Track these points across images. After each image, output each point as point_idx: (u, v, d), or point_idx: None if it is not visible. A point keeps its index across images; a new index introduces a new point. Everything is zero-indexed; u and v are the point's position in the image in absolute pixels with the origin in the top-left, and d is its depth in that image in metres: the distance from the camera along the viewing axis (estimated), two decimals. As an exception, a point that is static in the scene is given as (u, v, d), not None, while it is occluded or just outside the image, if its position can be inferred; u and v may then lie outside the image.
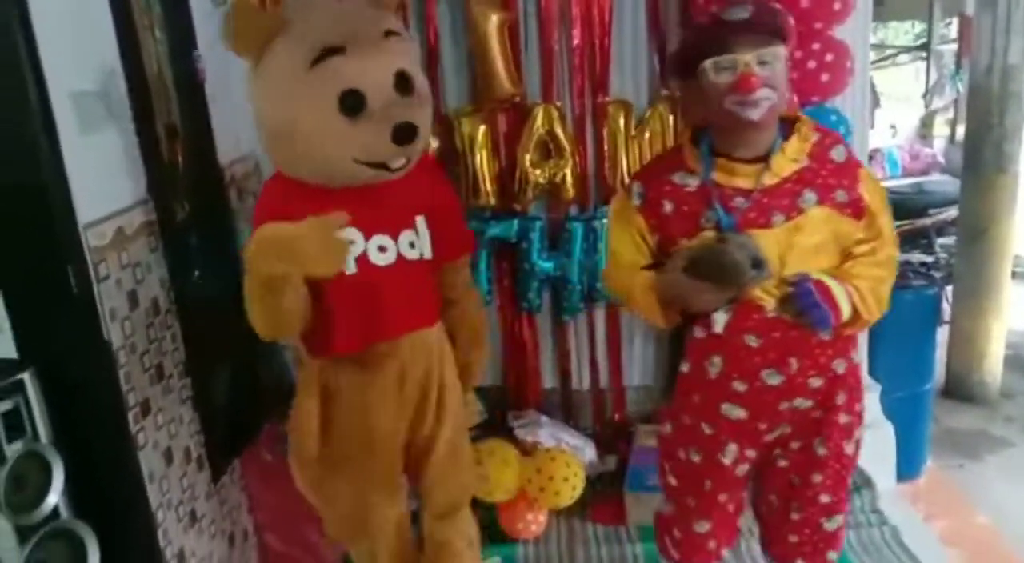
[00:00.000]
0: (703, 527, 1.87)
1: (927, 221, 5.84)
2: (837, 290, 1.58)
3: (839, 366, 1.68)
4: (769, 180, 1.59)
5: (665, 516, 1.97)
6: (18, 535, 1.56)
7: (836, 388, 1.70)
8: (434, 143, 2.55)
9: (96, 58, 1.82)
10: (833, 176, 1.61)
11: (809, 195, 1.59)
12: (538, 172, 2.60)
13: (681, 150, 1.70)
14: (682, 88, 1.69)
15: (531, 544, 2.61)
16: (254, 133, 2.44)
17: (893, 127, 8.64)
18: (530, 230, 2.69)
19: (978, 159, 3.74)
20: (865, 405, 1.81)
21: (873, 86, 8.81)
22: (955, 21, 7.82)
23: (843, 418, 1.73)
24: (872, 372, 2.90)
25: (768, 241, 1.57)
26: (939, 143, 7.79)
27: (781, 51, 1.54)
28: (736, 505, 1.89)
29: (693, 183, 1.64)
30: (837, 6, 2.20)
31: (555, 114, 2.59)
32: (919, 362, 3.11)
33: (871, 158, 6.86)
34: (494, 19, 2.46)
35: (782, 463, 1.80)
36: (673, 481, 1.89)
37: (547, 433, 2.78)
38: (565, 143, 2.59)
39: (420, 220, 1.83)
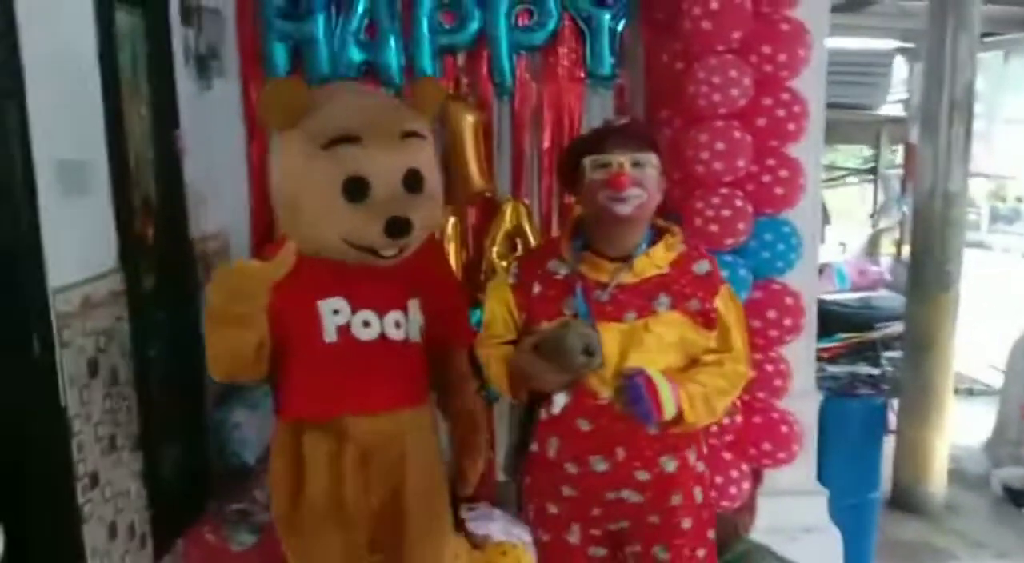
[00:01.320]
0: None
1: (874, 335, 6.01)
2: (664, 390, 1.62)
3: (667, 464, 1.72)
4: (628, 278, 1.69)
5: None
6: (-51, 606, 1.51)
7: (669, 488, 1.73)
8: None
9: (82, 129, 1.88)
10: (690, 286, 1.71)
11: (664, 299, 1.68)
12: (504, 264, 2.67)
13: (560, 241, 1.81)
14: (569, 188, 1.81)
15: (477, 641, 2.54)
16: (227, 211, 2.51)
17: (843, 244, 8.98)
18: (494, 321, 2.74)
19: (922, 278, 3.91)
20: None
21: (824, 204, 9.21)
22: (901, 148, 8.26)
23: (685, 523, 1.75)
24: (821, 479, 2.94)
25: (613, 334, 1.65)
26: (885, 261, 8.09)
27: (653, 158, 1.67)
28: None
29: (563, 272, 1.73)
30: (791, 126, 2.35)
31: (523, 210, 2.68)
32: (866, 470, 3.17)
33: (821, 272, 7.11)
34: (469, 119, 2.58)
35: (634, 556, 1.81)
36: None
37: (499, 527, 2.75)
38: (531, 237, 2.68)
39: (413, 303, 1.87)
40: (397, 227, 1.70)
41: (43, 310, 1.67)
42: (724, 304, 1.74)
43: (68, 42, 1.83)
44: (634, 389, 1.61)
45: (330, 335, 1.78)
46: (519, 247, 2.70)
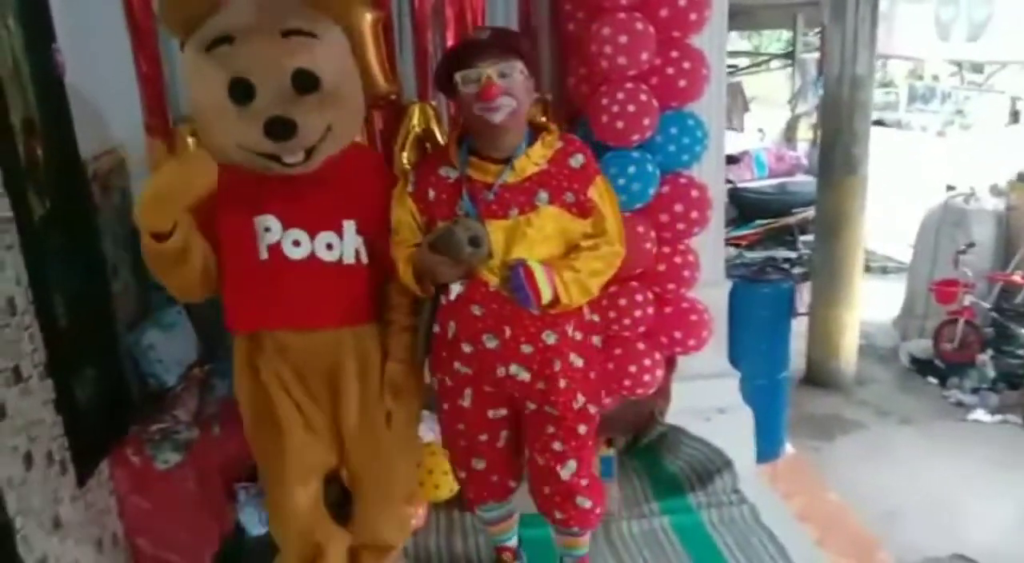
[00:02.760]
0: (480, 464, 2.14)
1: (790, 220, 6.20)
2: (541, 277, 1.83)
3: (548, 337, 1.94)
4: (511, 178, 1.87)
5: (451, 463, 2.27)
6: None
7: (549, 355, 1.95)
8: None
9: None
10: (567, 180, 1.89)
11: (543, 194, 1.87)
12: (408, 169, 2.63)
13: (448, 148, 1.98)
14: (450, 97, 1.98)
15: (411, 537, 2.63)
16: (120, 126, 2.40)
17: (761, 130, 9.09)
18: (408, 227, 2.72)
19: (830, 162, 4.02)
20: (578, 364, 2.01)
21: (743, 91, 9.26)
22: (820, 32, 8.28)
23: (562, 383, 1.97)
24: (732, 360, 3.08)
25: (498, 229, 1.85)
26: (803, 146, 8.25)
27: (518, 65, 1.82)
28: (506, 445, 2.14)
29: (452, 176, 1.92)
30: (693, 16, 2.33)
31: (431, 112, 2.63)
32: (775, 351, 3.32)
33: (738, 160, 7.22)
34: (368, 17, 2.47)
35: (527, 418, 2.06)
36: (442, 431, 2.19)
37: (427, 427, 2.81)
38: (441, 140, 2.63)
39: (348, 224, 1.87)
40: (277, 129, 1.66)
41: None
42: (598, 193, 1.93)
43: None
44: (515, 278, 1.84)
45: (262, 253, 1.81)
46: (429, 150, 2.66)
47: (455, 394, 2.04)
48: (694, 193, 2.46)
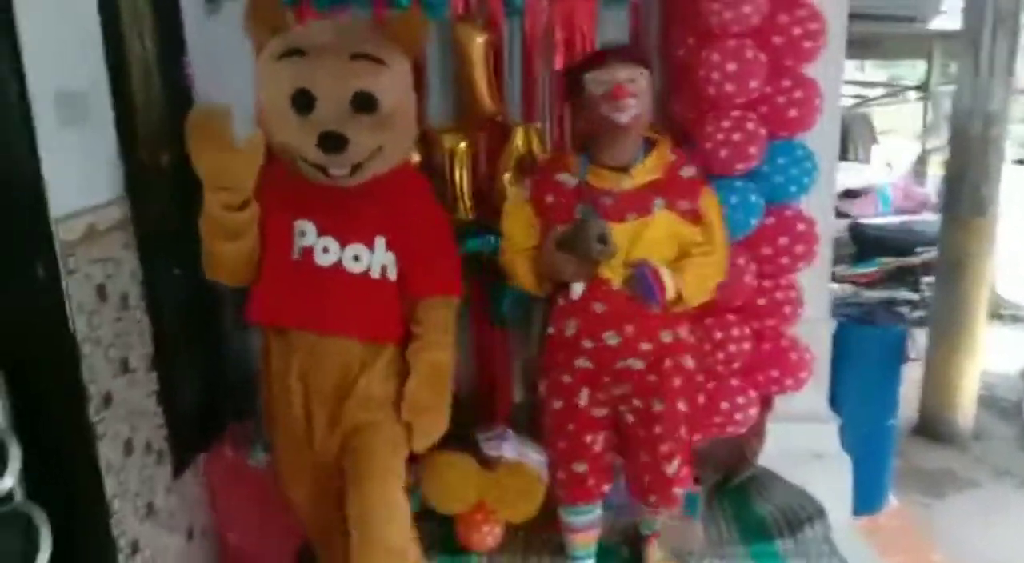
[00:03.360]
0: (580, 467, 2.21)
1: (914, 260, 5.87)
2: (666, 276, 1.96)
3: (665, 336, 2.06)
4: (628, 185, 2.00)
5: (549, 464, 2.36)
6: (-30, 516, 1.60)
7: (664, 354, 2.06)
8: (415, 156, 2.60)
9: (81, 59, 1.88)
10: (680, 189, 2.03)
11: (659, 200, 2.00)
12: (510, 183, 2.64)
13: (566, 156, 2.13)
14: (572, 104, 2.14)
15: (485, 556, 2.63)
16: (243, 136, 2.52)
17: (889, 164, 8.69)
18: (506, 246, 2.73)
19: (956, 200, 3.79)
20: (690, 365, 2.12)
21: (871, 123, 8.89)
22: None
23: (676, 381, 2.09)
24: (835, 405, 2.93)
25: (620, 232, 1.95)
26: (933, 182, 7.83)
27: (645, 74, 1.96)
28: (604, 448, 2.22)
29: (571, 182, 2.04)
30: (807, 45, 2.26)
31: (534, 135, 2.64)
32: (882, 398, 3.14)
33: (860, 194, 6.90)
34: (478, 41, 2.51)
35: (630, 418, 2.16)
36: (548, 428, 2.24)
37: (511, 447, 2.80)
38: (541, 164, 2.64)
39: (379, 239, 1.93)
40: (329, 142, 1.78)
41: (46, 238, 1.71)
42: (707, 203, 2.06)
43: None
44: (642, 277, 1.96)
45: (296, 253, 1.92)
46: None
47: (572, 392, 2.13)
48: (800, 226, 2.38)
